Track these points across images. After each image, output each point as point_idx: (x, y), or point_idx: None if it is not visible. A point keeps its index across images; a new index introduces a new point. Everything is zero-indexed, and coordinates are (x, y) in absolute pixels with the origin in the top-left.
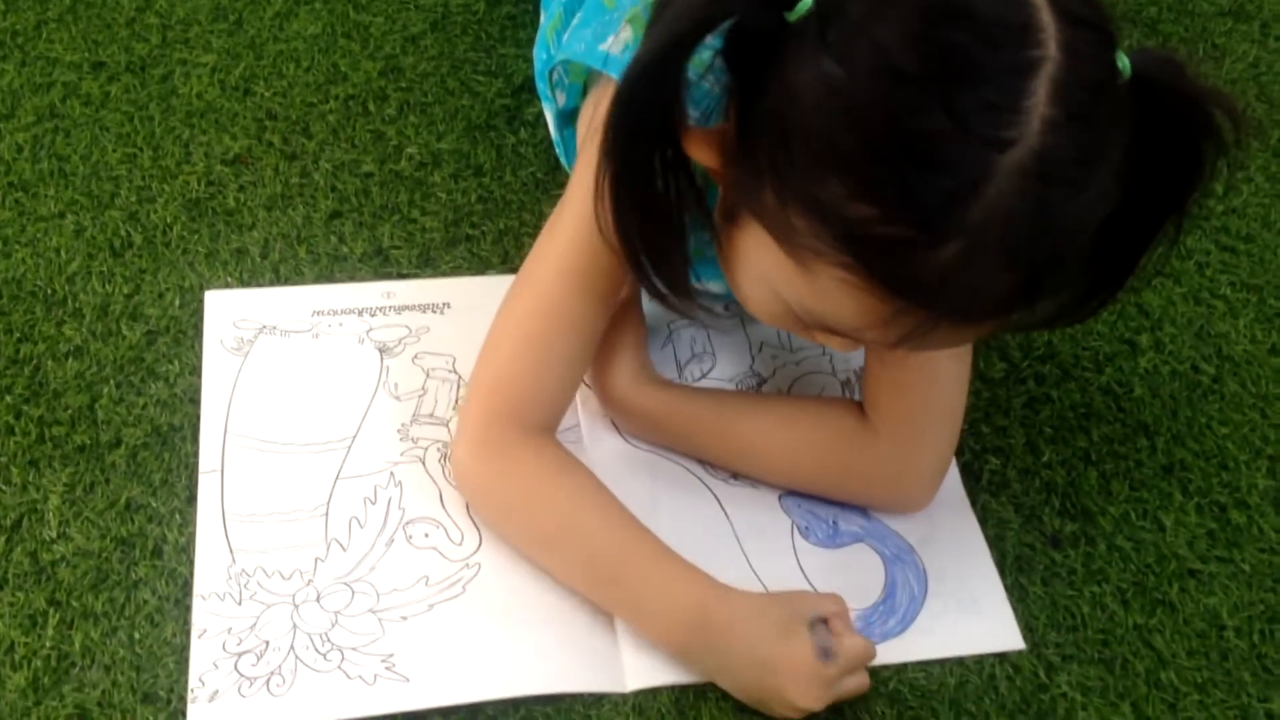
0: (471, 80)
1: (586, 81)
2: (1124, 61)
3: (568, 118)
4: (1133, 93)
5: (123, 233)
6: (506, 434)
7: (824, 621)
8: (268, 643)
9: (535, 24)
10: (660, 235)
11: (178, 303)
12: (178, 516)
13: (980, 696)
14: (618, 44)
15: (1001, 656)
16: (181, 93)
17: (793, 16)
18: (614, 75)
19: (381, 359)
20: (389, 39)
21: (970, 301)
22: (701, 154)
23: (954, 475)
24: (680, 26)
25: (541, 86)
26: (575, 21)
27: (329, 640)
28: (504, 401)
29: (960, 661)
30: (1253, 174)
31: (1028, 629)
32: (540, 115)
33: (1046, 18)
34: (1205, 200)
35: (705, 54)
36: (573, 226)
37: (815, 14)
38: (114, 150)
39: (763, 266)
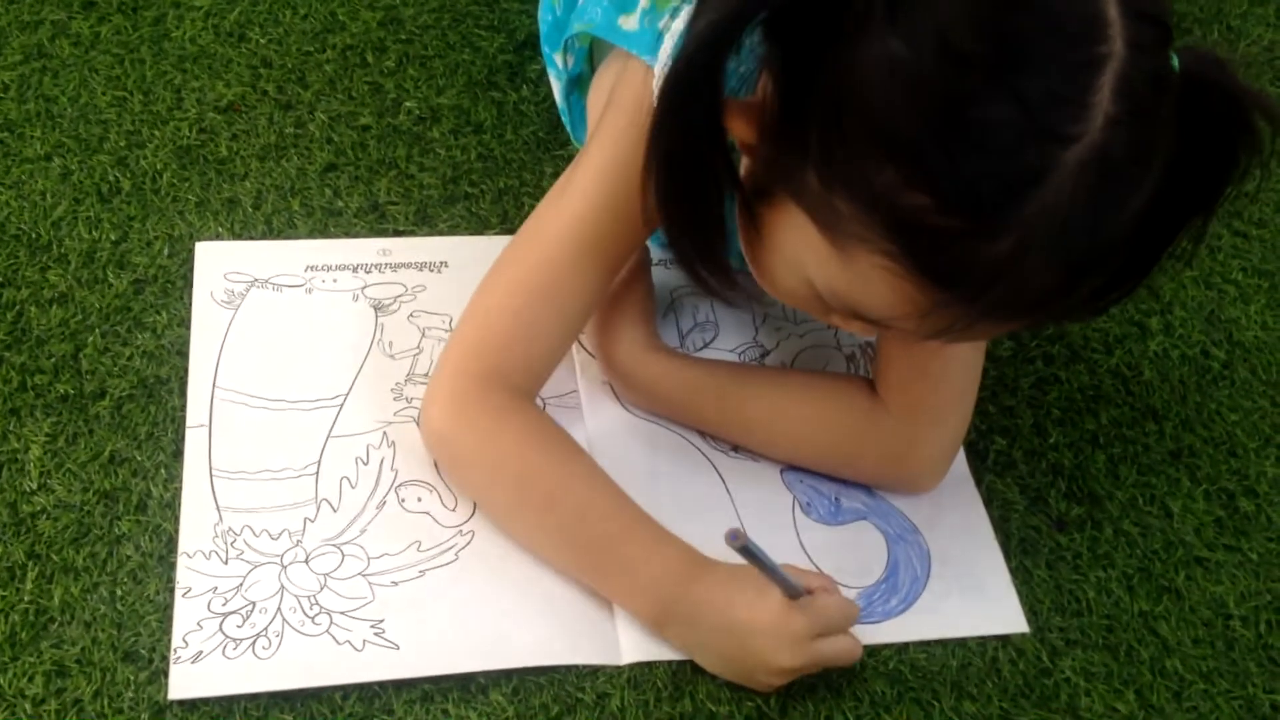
0: (473, 34)
1: (592, 45)
2: (1173, 59)
3: (573, 83)
4: (1179, 90)
5: (111, 178)
6: (487, 392)
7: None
8: (254, 604)
9: None
10: (704, 216)
11: (166, 252)
12: (163, 471)
13: (982, 679)
14: (634, 20)
15: (1005, 639)
16: (174, 36)
17: None
18: (633, 51)
19: (376, 316)
20: None
21: (1015, 297)
22: (739, 128)
23: (960, 455)
24: (733, 10)
25: (548, 52)
26: None
27: (317, 603)
28: (487, 362)
29: (963, 643)
30: (1266, 158)
31: (1032, 612)
32: (543, 73)
33: (1113, 11)
34: (1233, 199)
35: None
36: (588, 195)
37: None
38: (103, 93)
39: (794, 248)
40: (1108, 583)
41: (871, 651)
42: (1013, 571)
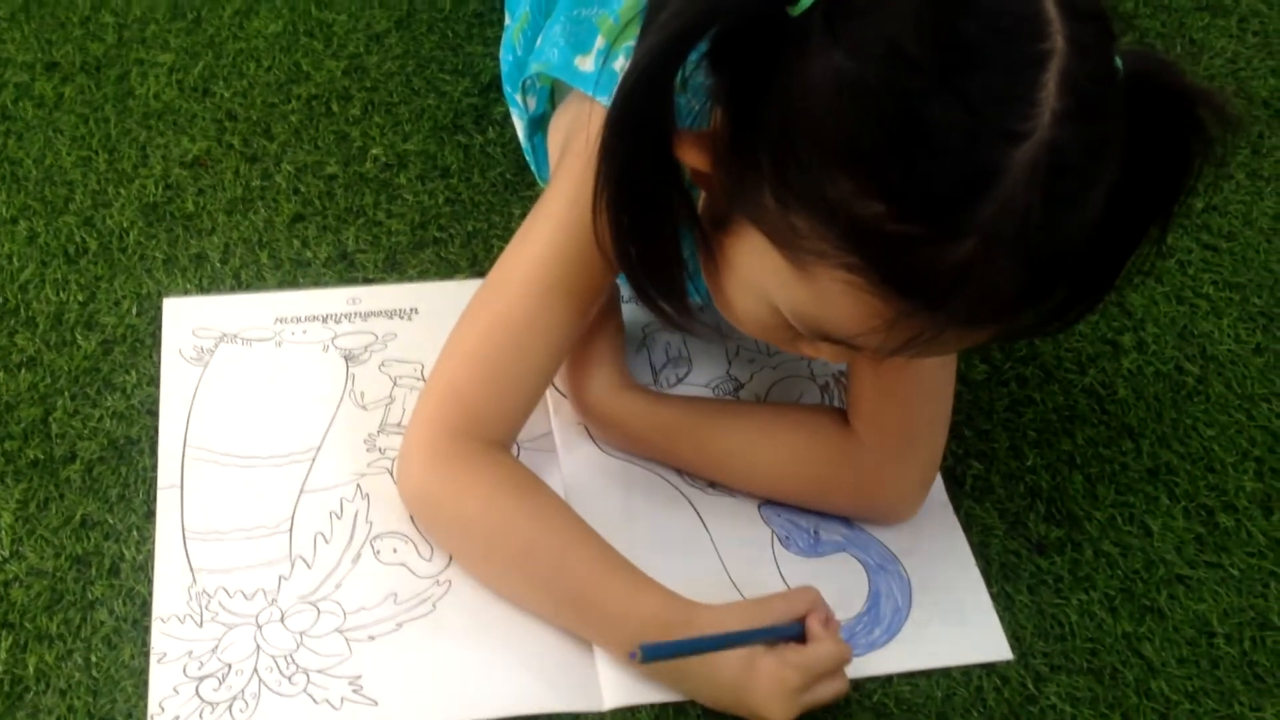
0: (438, 79)
1: (554, 86)
2: (1118, 60)
3: (537, 123)
4: (1126, 91)
5: (77, 238)
6: (462, 446)
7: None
8: (230, 666)
9: (502, 22)
10: (659, 249)
11: (135, 311)
12: (135, 534)
13: (968, 709)
14: (590, 61)
15: (989, 667)
16: (138, 94)
17: (796, 11)
18: (589, 92)
19: (347, 367)
20: (352, 37)
21: (981, 303)
22: (692, 157)
23: (937, 481)
24: (677, 28)
25: (509, 92)
26: (547, 26)
27: (294, 662)
28: (462, 412)
29: (946, 673)
30: (1233, 171)
31: (1015, 638)
32: (508, 115)
33: (1052, 10)
34: (1188, 201)
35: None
36: (550, 238)
37: (821, 7)
38: (68, 153)
39: (756, 274)
40: (1090, 605)
41: (856, 685)
42: (994, 597)
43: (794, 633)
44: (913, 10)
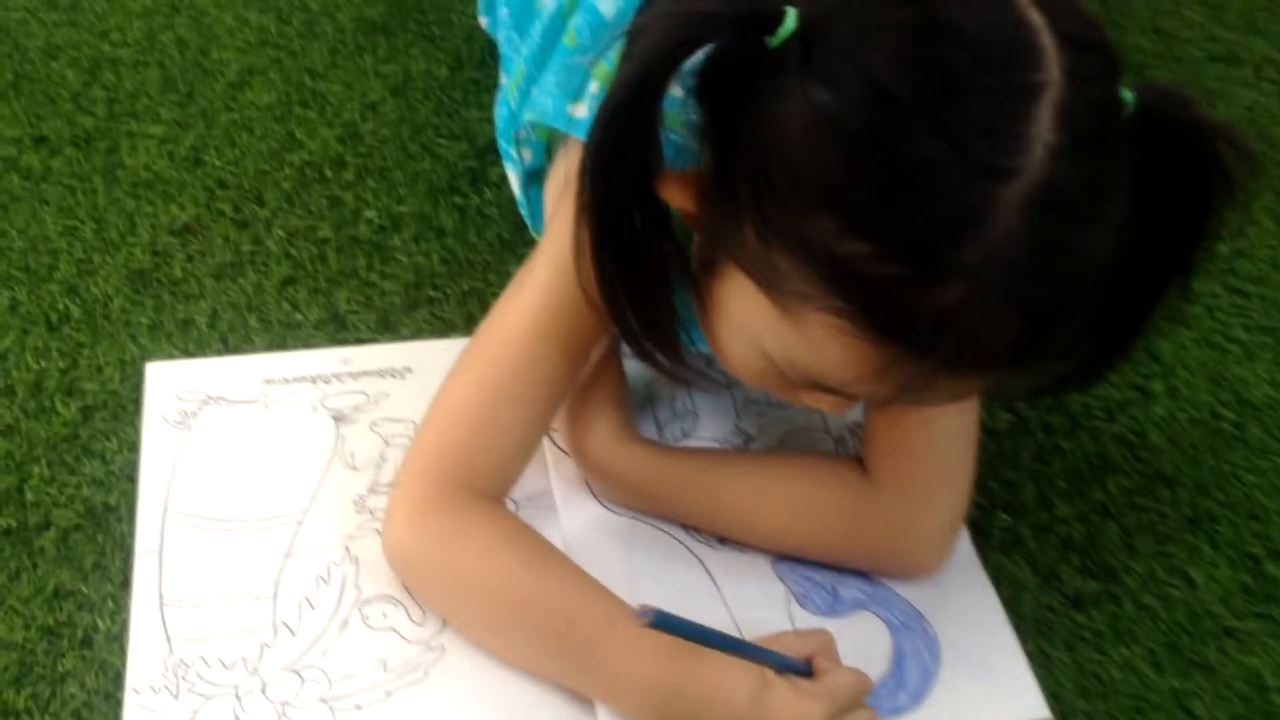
0: (433, 144)
1: (550, 139)
2: (1127, 95)
3: (532, 177)
4: (1137, 128)
5: (60, 306)
6: (453, 500)
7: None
8: None
9: (498, 86)
10: (646, 293)
11: (118, 377)
12: (110, 603)
13: None
14: (584, 108)
15: None
16: (128, 164)
17: (774, 42)
18: (582, 138)
19: (336, 427)
20: (347, 106)
21: (972, 348)
22: (676, 197)
23: (963, 534)
24: (654, 56)
25: (504, 145)
26: (540, 77)
27: None
28: (452, 466)
29: None
30: (1258, 215)
31: (1053, 697)
32: (506, 177)
33: (1047, 40)
34: (1211, 247)
35: (673, 104)
36: (542, 288)
37: (799, 38)
38: (54, 223)
39: (744, 318)
40: (1133, 660)
41: None
42: (1029, 655)
43: (802, 669)
44: (894, 42)
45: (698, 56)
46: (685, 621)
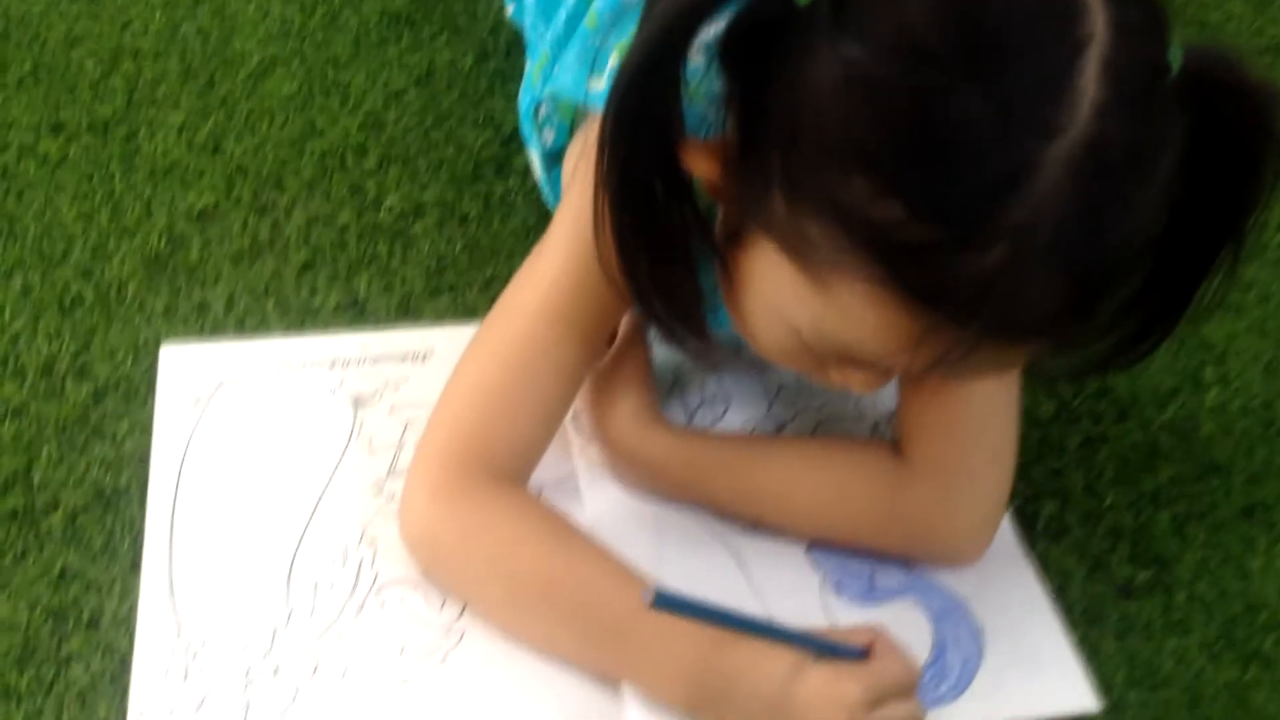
0: (458, 133)
1: (574, 119)
2: (1176, 53)
3: (554, 158)
4: (1186, 88)
5: (73, 290)
6: (472, 481)
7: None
8: None
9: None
10: (668, 266)
11: (130, 360)
12: (118, 585)
13: None
14: (603, 81)
15: None
16: (145, 151)
17: (803, 0)
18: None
19: (355, 411)
20: (370, 96)
21: (1015, 315)
22: (700, 165)
23: (1006, 521)
24: (674, 15)
25: (526, 127)
26: (562, 56)
27: (287, 719)
28: (469, 445)
29: None
30: None
31: (1104, 688)
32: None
33: None
34: (1263, 225)
35: (695, 74)
36: (559, 263)
37: None
38: (69, 208)
39: (771, 291)
40: (1186, 651)
41: None
42: (1077, 645)
43: (854, 653)
44: None
45: (719, 25)
46: (693, 602)
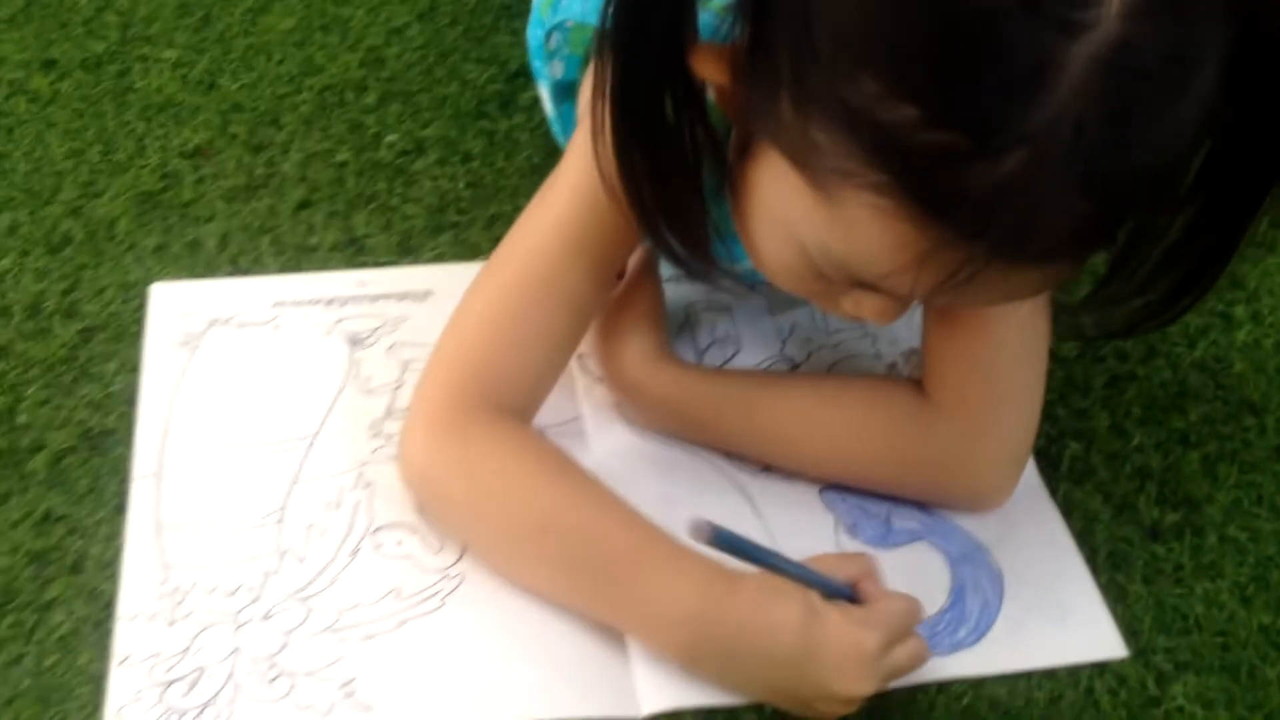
0: (461, 68)
1: (586, 52)
2: None
3: (565, 91)
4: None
5: (62, 228)
6: (474, 414)
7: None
8: (202, 669)
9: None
10: (674, 184)
11: (120, 299)
12: (104, 528)
13: (1078, 713)
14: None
15: (1101, 666)
16: (138, 88)
17: None
18: None
19: (350, 350)
20: (370, 31)
21: (1029, 231)
22: (710, 70)
23: (1029, 464)
24: None
25: (536, 64)
26: None
27: (276, 665)
28: (475, 378)
29: (1050, 674)
30: None
31: (1131, 633)
32: (537, 101)
33: None
34: None
35: None
36: (569, 194)
37: None
38: (59, 146)
39: (779, 205)
40: (1217, 595)
41: (941, 688)
42: (1103, 589)
43: (845, 593)
44: None
45: None
46: (746, 540)
